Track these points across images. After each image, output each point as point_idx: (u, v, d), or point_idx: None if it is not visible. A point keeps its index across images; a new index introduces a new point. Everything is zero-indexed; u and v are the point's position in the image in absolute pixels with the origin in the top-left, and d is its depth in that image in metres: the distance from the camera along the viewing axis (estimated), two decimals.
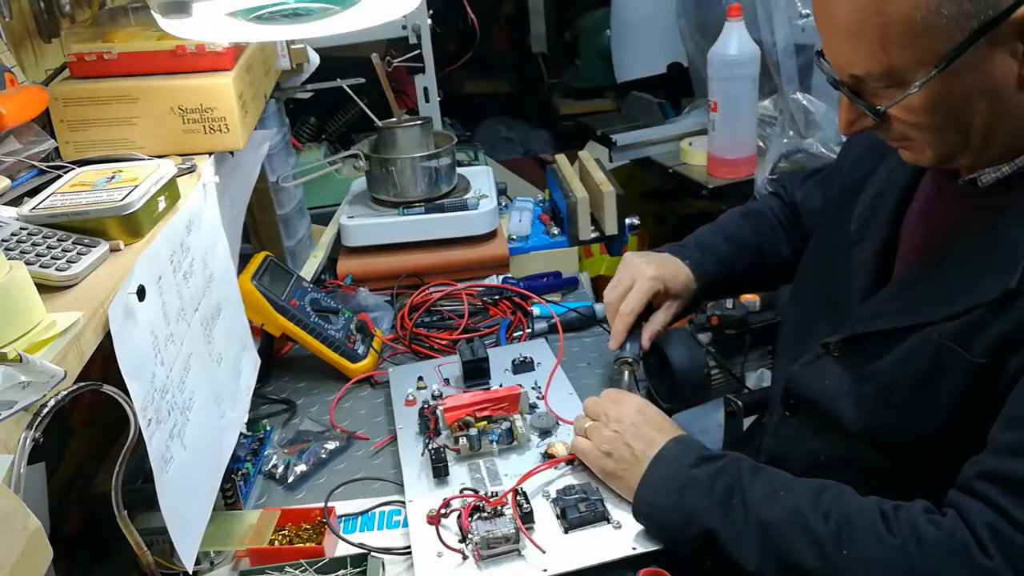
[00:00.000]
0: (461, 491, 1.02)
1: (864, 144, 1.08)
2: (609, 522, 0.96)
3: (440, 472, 1.06)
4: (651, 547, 0.92)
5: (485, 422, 1.11)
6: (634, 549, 0.92)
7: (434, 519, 0.97)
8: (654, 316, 1.22)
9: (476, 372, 1.26)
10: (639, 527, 0.94)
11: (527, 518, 0.95)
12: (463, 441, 1.09)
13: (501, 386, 1.21)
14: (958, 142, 0.81)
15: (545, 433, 1.13)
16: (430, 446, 1.08)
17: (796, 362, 1.00)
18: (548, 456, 1.07)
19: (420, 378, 1.29)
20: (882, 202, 0.99)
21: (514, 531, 0.92)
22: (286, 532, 1.02)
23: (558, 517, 0.97)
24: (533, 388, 1.23)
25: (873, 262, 0.96)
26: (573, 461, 1.05)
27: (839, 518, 0.80)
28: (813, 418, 0.97)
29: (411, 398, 1.24)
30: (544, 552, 0.92)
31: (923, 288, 0.88)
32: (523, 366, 1.28)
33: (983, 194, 0.85)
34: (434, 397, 1.22)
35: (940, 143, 0.82)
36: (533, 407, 1.18)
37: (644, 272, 1.20)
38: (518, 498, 0.97)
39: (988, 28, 0.72)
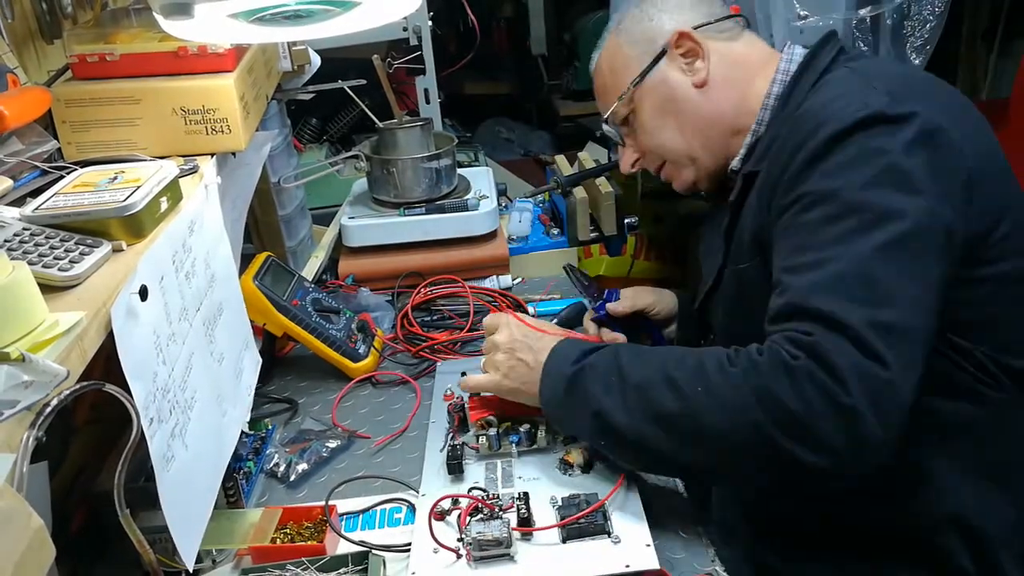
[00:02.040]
0: (469, 490, 1.02)
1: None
2: (609, 536, 0.94)
3: (454, 469, 1.05)
4: (647, 567, 0.89)
5: (509, 422, 1.10)
6: (627, 567, 0.89)
7: (435, 515, 0.97)
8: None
9: None
10: (636, 544, 0.92)
11: (524, 523, 0.95)
12: (483, 440, 1.09)
13: None
14: (682, 149, 1.17)
15: (569, 438, 1.10)
16: (450, 442, 1.09)
17: None
18: (564, 463, 1.05)
19: (463, 374, 1.26)
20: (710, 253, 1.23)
21: (507, 535, 0.91)
22: (288, 530, 1.02)
23: (558, 525, 0.96)
24: None
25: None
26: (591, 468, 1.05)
27: (694, 363, 0.91)
28: None
29: (449, 393, 1.24)
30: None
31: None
32: None
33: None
34: (471, 394, 1.19)
35: (675, 156, 1.19)
36: None
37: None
38: (518, 503, 0.97)
39: (657, 60, 1.15)
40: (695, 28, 1.13)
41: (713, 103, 1.14)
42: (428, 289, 1.58)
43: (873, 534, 1.02)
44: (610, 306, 1.33)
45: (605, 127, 1.24)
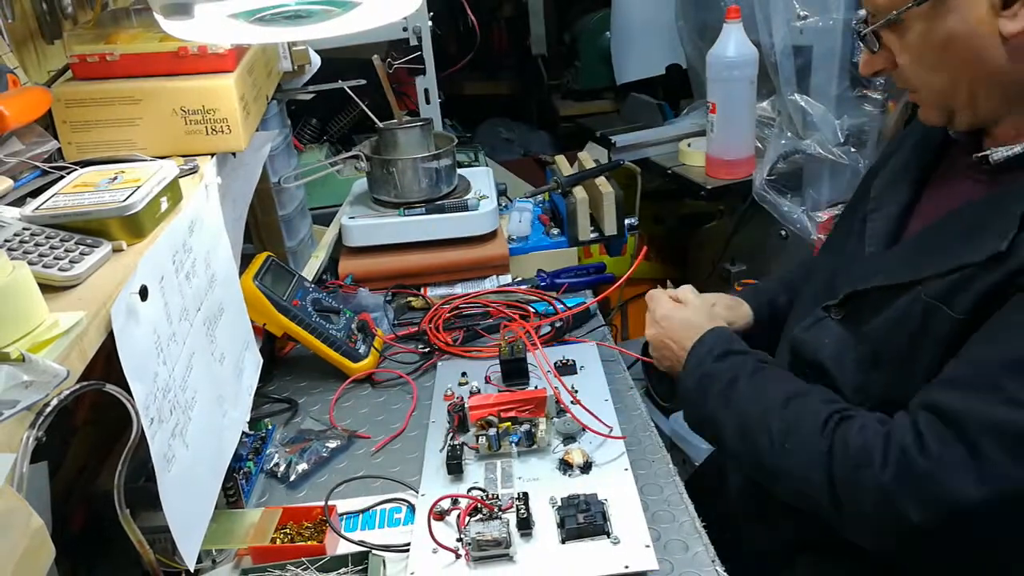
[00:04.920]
0: (469, 491, 1.02)
1: (896, 140, 1.14)
2: (608, 536, 0.94)
3: (454, 469, 1.06)
4: (646, 568, 0.89)
5: (508, 423, 1.10)
6: (626, 568, 0.89)
7: (434, 515, 0.97)
8: None
9: (515, 372, 1.24)
10: (635, 544, 0.92)
11: (523, 524, 0.95)
12: (483, 440, 1.09)
13: (536, 388, 1.18)
14: (947, 92, 0.90)
15: (569, 439, 1.10)
16: (449, 442, 1.09)
17: (798, 327, 1.04)
18: (564, 463, 1.06)
19: (464, 373, 1.29)
20: (901, 175, 1.04)
21: (506, 536, 0.92)
22: (288, 530, 1.02)
23: (558, 526, 0.96)
24: (570, 391, 1.18)
25: (886, 228, 1.01)
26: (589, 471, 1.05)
27: (793, 418, 0.94)
28: (814, 382, 1.01)
29: (449, 392, 1.24)
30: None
31: (921, 249, 0.93)
32: (564, 368, 1.26)
33: (994, 171, 0.90)
34: (471, 394, 1.21)
35: (933, 93, 0.92)
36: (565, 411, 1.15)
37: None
38: (517, 503, 0.97)
39: None
40: None
41: (1019, 71, 0.84)
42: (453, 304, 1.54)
43: None
44: None
45: (855, 23, 0.94)
